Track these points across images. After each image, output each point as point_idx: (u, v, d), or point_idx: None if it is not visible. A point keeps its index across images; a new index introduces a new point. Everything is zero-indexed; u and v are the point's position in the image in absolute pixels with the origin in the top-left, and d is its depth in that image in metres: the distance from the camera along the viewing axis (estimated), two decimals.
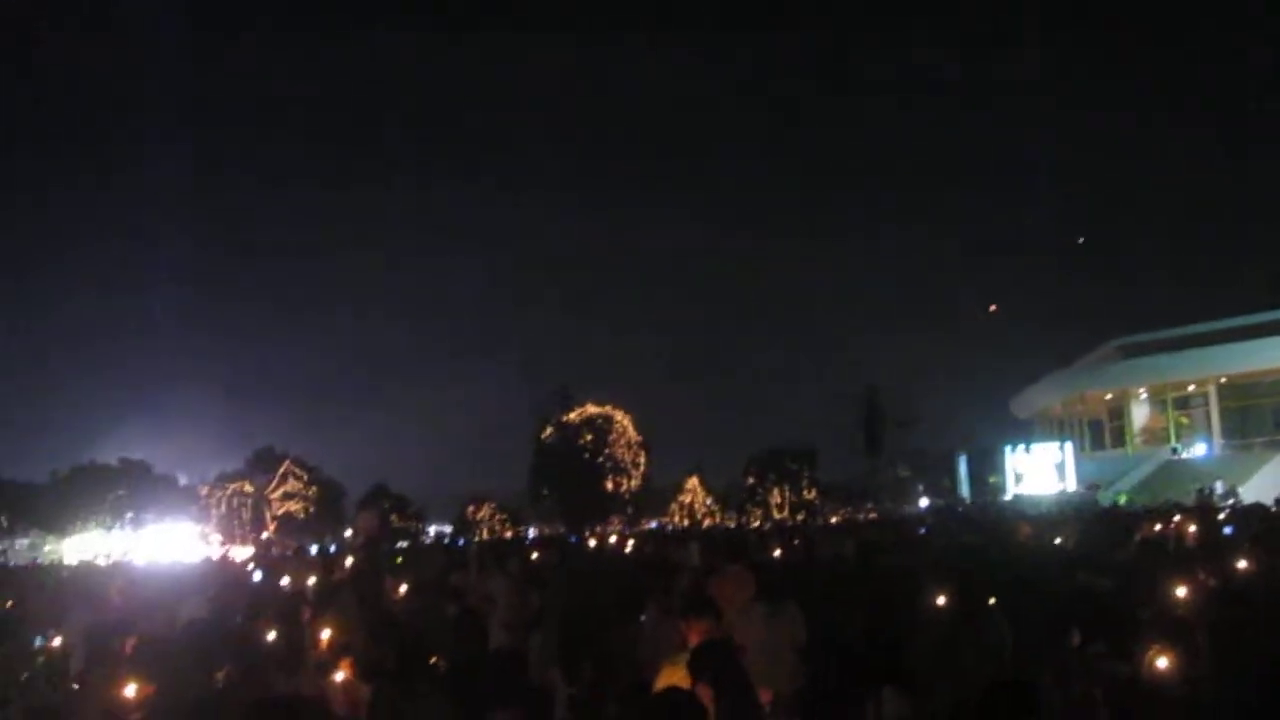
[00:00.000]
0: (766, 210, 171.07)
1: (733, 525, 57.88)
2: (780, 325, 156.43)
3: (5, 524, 75.37)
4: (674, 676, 5.48)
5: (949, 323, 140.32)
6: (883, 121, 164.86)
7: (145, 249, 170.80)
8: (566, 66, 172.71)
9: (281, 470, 72.89)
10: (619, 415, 67.57)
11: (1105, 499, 47.83)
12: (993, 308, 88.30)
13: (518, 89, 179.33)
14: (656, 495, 70.79)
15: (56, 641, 10.40)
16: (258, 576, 15.71)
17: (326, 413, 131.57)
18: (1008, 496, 57.31)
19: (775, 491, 68.34)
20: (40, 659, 10.36)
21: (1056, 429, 70.06)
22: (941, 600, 8.20)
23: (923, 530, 25.48)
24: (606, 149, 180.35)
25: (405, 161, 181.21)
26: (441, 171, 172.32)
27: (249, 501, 71.97)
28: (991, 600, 7.97)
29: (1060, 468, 59.13)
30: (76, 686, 6.63)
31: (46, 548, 73.40)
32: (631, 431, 67.47)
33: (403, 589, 12.27)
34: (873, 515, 56.99)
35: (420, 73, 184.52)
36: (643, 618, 9.18)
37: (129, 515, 74.94)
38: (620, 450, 66.65)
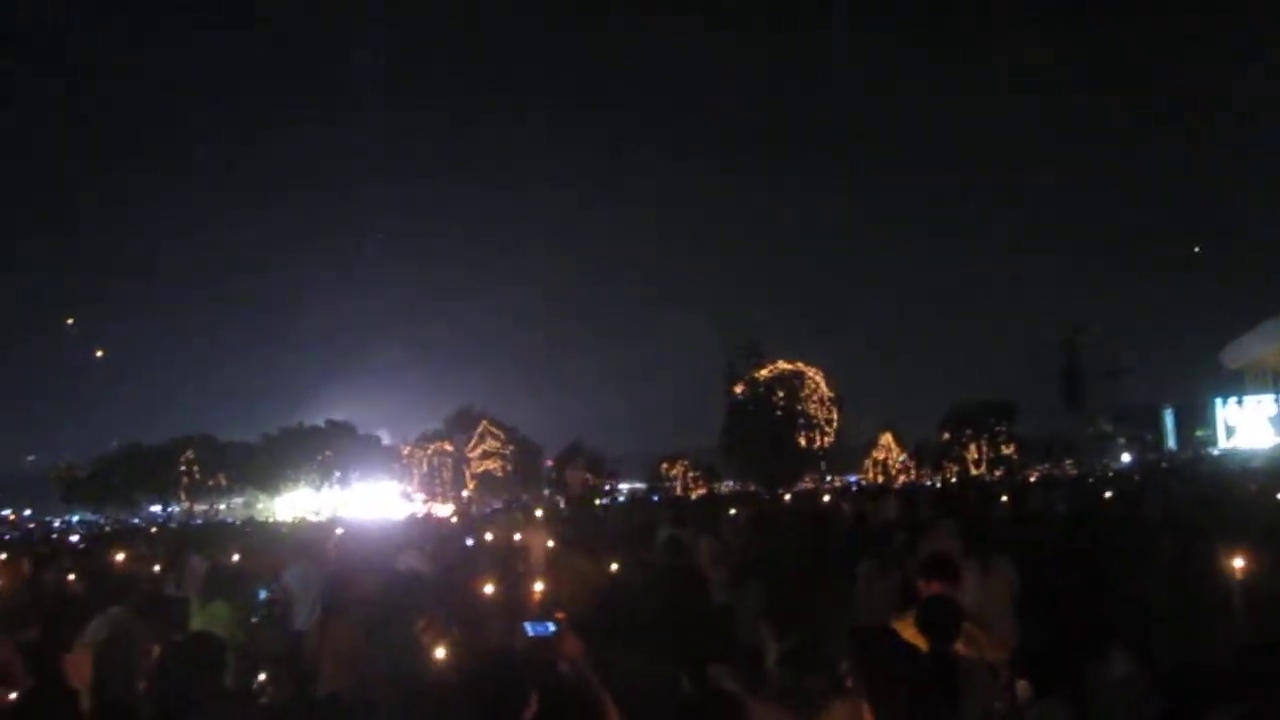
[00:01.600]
0: (962, 152, 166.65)
1: (928, 482, 56.93)
2: (978, 274, 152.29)
3: (224, 483, 79.24)
4: (905, 633, 5.35)
5: (1154, 270, 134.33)
6: (1085, 56, 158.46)
7: (348, 212, 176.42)
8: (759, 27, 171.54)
9: (479, 429, 74.61)
10: (811, 371, 67.02)
11: None
12: (1196, 249, 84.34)
13: (709, 48, 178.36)
14: (849, 452, 70.18)
15: (280, 594, 10.82)
16: (467, 532, 16.05)
17: (522, 372, 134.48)
18: (1217, 451, 54.89)
19: (972, 447, 66.96)
20: (263, 610, 10.78)
21: (1272, 381, 66.55)
22: (1173, 557, 7.84)
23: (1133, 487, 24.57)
24: (798, 106, 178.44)
25: (602, 113, 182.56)
26: (638, 123, 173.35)
27: (449, 460, 73.96)
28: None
29: (1276, 421, 56.34)
30: (312, 635, 6.85)
31: (259, 505, 76.90)
32: (824, 387, 66.85)
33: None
34: (1073, 472, 55.30)
35: (622, 24, 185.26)
36: (857, 573, 9.03)
37: (336, 474, 77.86)
38: (812, 406, 66.15)
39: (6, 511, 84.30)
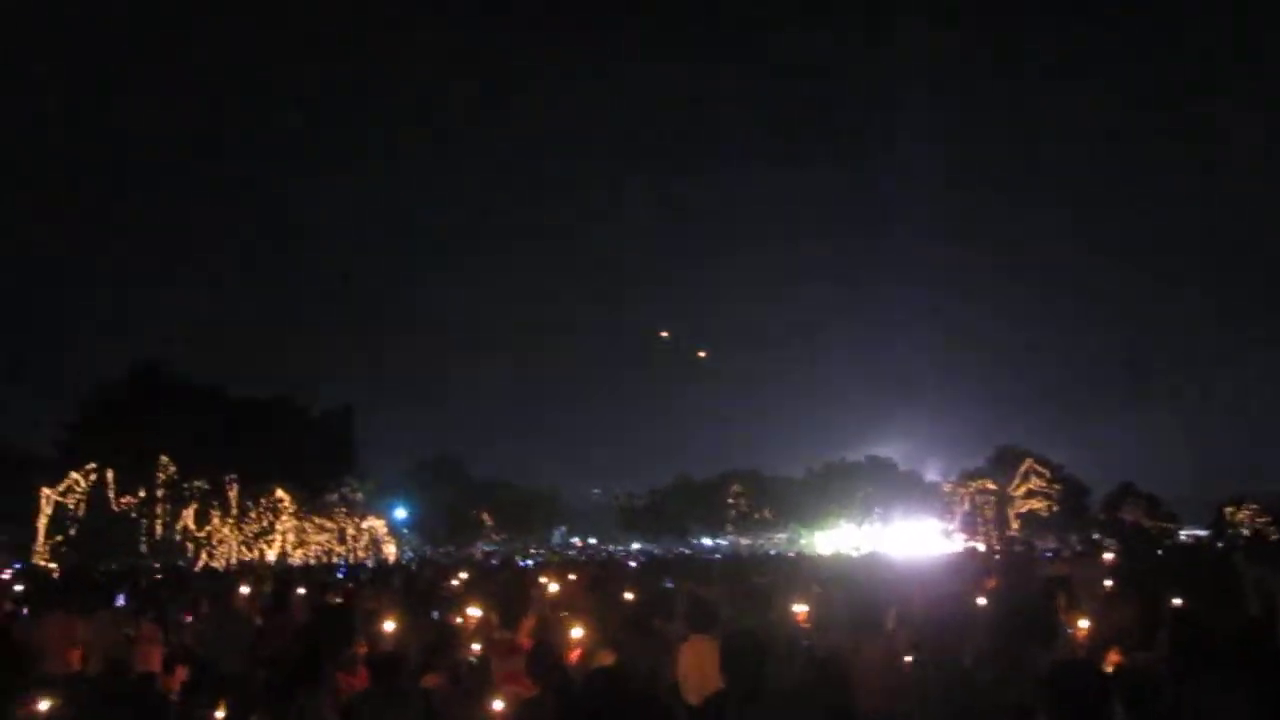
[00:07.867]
0: None
1: None
2: None
3: (769, 516, 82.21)
4: None
5: None
6: None
7: (888, 255, 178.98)
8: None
9: (1023, 468, 72.64)
10: None
11: None
12: None
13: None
14: None
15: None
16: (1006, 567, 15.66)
17: (1069, 411, 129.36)
18: None
19: None
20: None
21: None
22: None
23: None
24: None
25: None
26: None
27: (991, 499, 72.42)
28: None
29: None
30: (843, 656, 6.91)
31: (802, 540, 78.94)
32: None
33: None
34: None
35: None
36: None
37: (876, 510, 78.49)
38: None
39: (575, 539, 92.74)
